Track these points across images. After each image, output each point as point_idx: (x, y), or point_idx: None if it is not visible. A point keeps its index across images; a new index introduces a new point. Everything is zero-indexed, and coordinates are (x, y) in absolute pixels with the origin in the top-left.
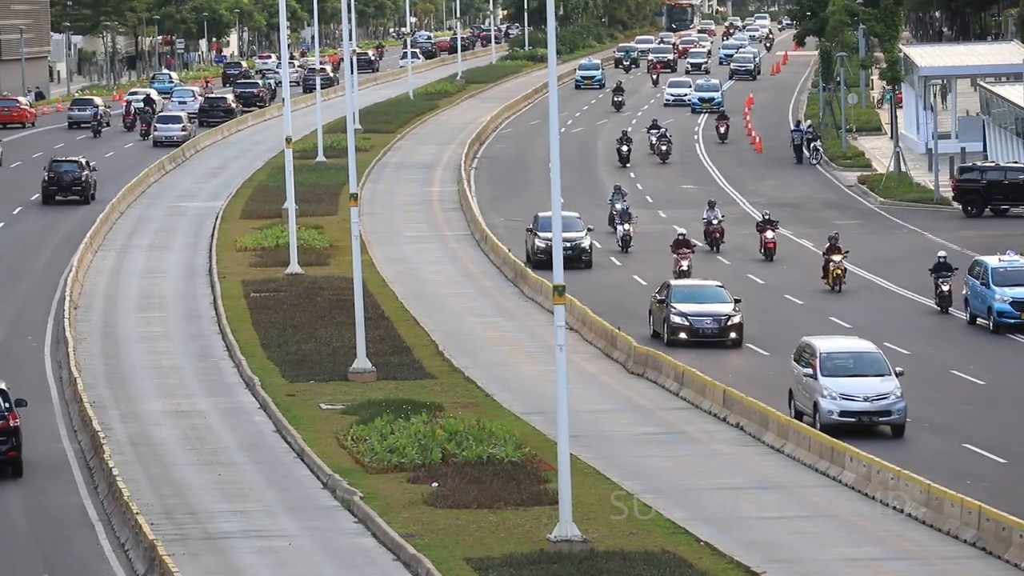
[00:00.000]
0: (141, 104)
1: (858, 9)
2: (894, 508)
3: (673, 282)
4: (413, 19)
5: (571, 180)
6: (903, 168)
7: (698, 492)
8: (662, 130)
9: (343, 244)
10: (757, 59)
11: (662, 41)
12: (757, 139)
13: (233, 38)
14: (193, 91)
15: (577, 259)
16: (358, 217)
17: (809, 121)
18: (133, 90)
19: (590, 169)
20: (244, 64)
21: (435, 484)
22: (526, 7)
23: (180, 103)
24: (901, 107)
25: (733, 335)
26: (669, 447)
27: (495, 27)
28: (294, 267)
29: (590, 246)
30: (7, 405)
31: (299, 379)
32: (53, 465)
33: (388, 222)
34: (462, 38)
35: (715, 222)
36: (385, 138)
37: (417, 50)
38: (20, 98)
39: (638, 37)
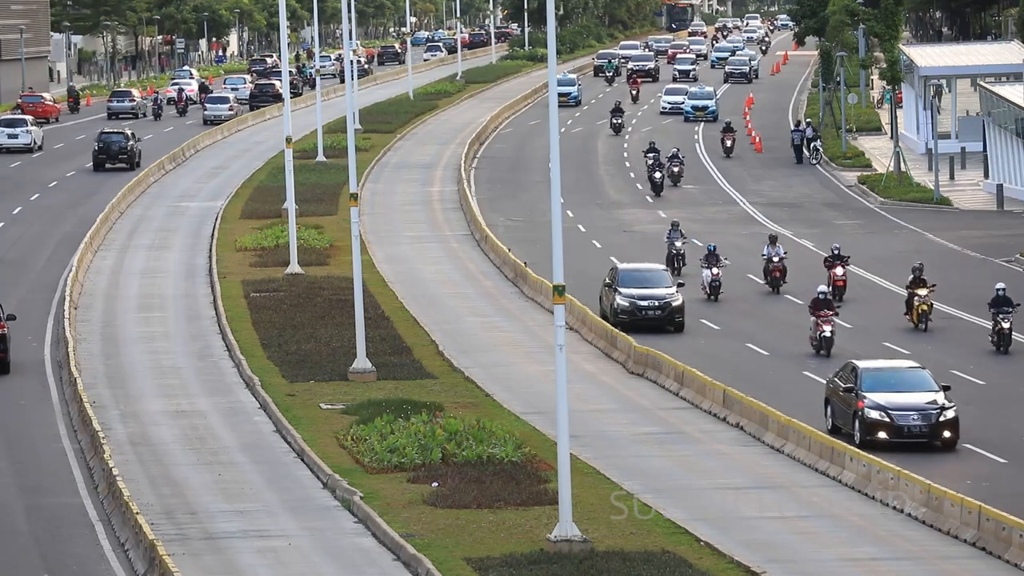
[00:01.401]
0: (196, 90)
1: (858, 9)
2: (894, 508)
3: (863, 364)
4: (413, 19)
5: (571, 180)
6: (903, 168)
7: (698, 492)
8: (674, 151)
9: (343, 244)
10: (753, 62)
11: (647, 47)
12: (757, 139)
13: (233, 38)
14: (244, 78)
15: (668, 321)
16: (358, 217)
17: (809, 121)
18: (174, 81)
19: (590, 169)
20: (272, 58)
21: (435, 484)
22: (526, 7)
23: (232, 89)
24: (901, 107)
25: (947, 434)
26: (669, 447)
27: (495, 27)
28: (294, 267)
29: (682, 305)
30: None
31: (299, 379)
32: (53, 465)
33: (388, 222)
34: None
35: (776, 259)
36: (385, 138)
37: (440, 44)
38: (44, 94)
39: (622, 43)
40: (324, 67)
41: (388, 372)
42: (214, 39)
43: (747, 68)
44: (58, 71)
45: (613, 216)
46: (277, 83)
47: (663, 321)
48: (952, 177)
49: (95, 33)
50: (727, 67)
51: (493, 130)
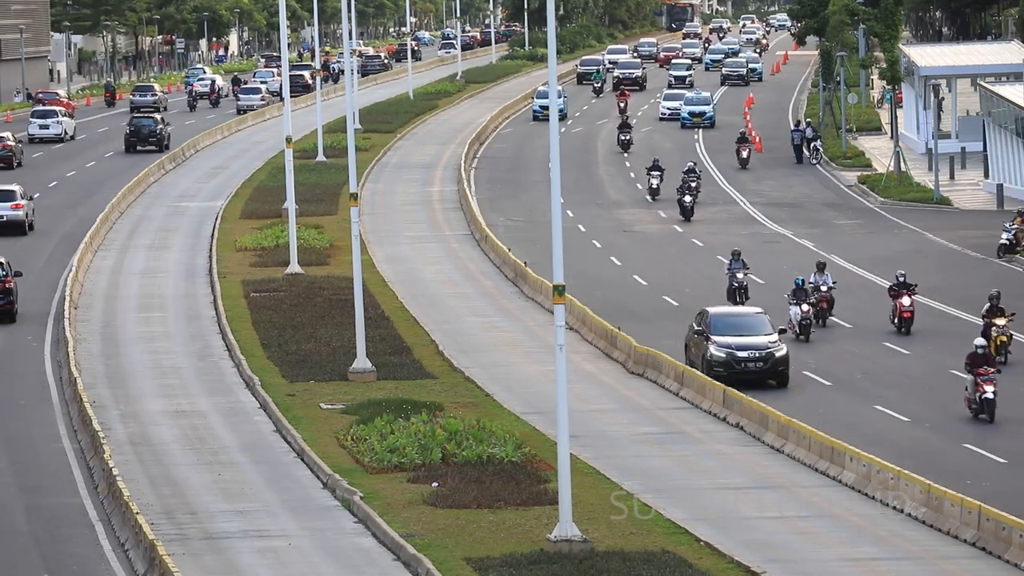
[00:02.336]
0: (230, 83)
1: (858, 9)
2: (894, 508)
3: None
4: (413, 19)
5: (571, 180)
6: (903, 168)
7: (698, 492)
8: (691, 165)
9: (343, 244)
10: (756, 64)
11: (635, 51)
12: (757, 139)
13: (233, 38)
14: (272, 71)
15: (771, 374)
16: (358, 217)
17: (809, 120)
18: (202, 77)
19: (590, 169)
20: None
21: (435, 484)
22: (526, 7)
23: (261, 82)
24: (901, 107)
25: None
26: (669, 447)
27: (495, 27)
28: (294, 267)
29: (787, 356)
30: (4, 272)
31: (299, 379)
32: (53, 465)
33: (388, 222)
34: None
35: (824, 288)
36: (385, 138)
37: (454, 41)
38: (59, 91)
39: (609, 47)
40: (336, 61)
41: (388, 372)
42: (214, 39)
43: (744, 70)
44: (58, 71)
45: (613, 216)
46: (306, 74)
47: (765, 374)
48: (952, 177)
49: (95, 33)
50: (724, 69)
51: (493, 130)
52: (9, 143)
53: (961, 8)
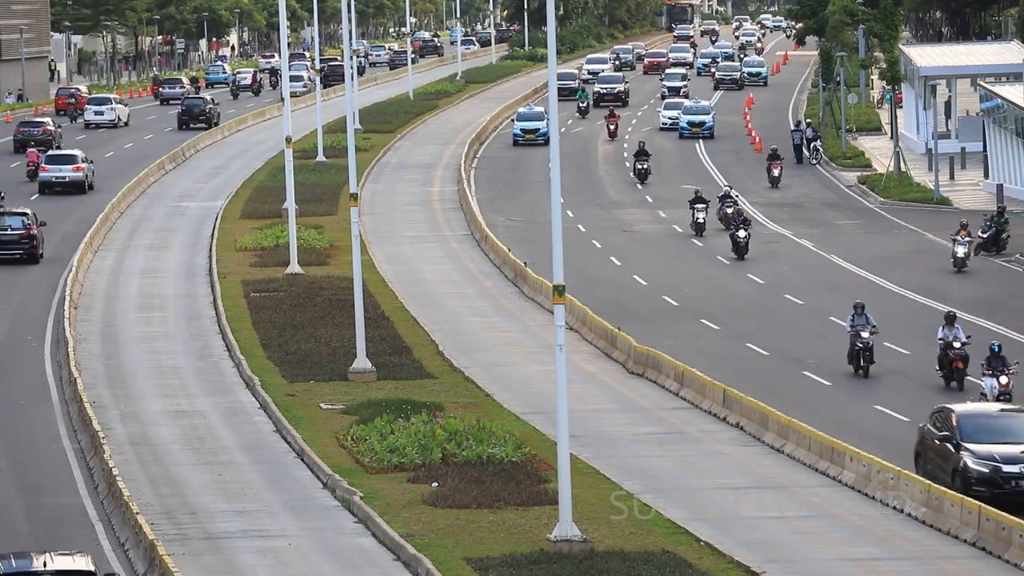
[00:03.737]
0: (267, 74)
1: (858, 9)
2: (894, 508)
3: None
4: (413, 19)
5: (571, 180)
6: (903, 168)
7: (698, 492)
8: (726, 189)
9: (343, 244)
10: (757, 68)
11: (618, 60)
12: (757, 139)
13: (233, 38)
14: (305, 64)
15: None
16: (358, 217)
17: (809, 121)
18: (239, 70)
19: (590, 169)
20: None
21: (435, 484)
22: (526, 7)
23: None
24: (901, 107)
25: None
26: (669, 447)
27: (495, 27)
28: (294, 267)
29: None
30: (29, 221)
31: (299, 379)
32: (53, 465)
33: (388, 222)
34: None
35: (958, 344)
36: (385, 138)
37: (474, 38)
38: (80, 86)
39: (588, 56)
40: (378, 56)
41: (388, 372)
42: (214, 39)
43: (737, 74)
44: (58, 71)
45: (613, 216)
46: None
47: None
48: (952, 177)
49: (95, 33)
50: (717, 73)
51: (493, 130)
52: (49, 127)
53: (961, 8)
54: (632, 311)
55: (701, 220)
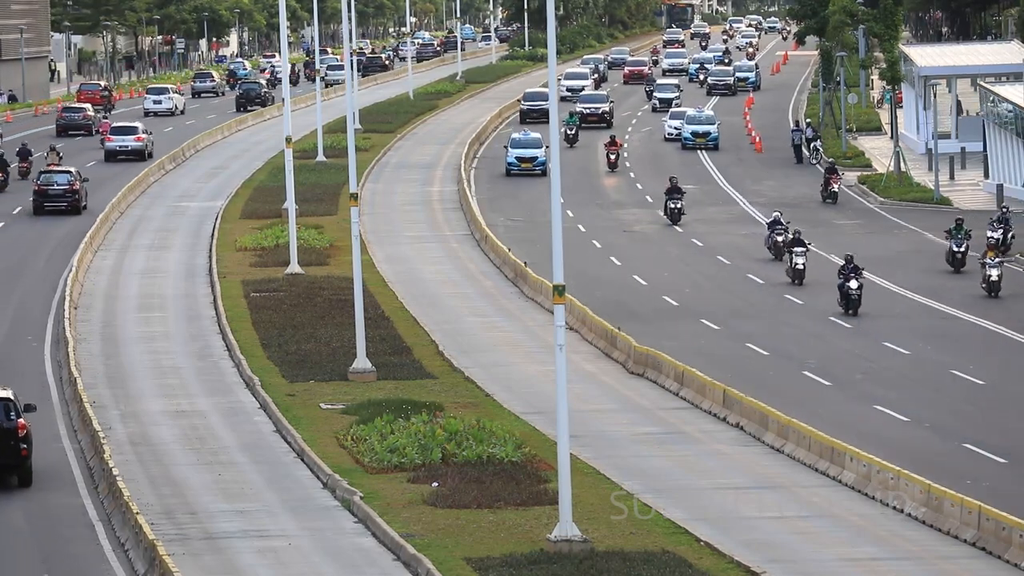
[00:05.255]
0: (303, 67)
1: (858, 9)
2: (894, 508)
3: None
4: (413, 19)
5: (571, 180)
6: (903, 168)
7: (698, 492)
8: (776, 215)
9: (343, 244)
10: (746, 72)
11: (595, 71)
12: (757, 139)
13: (233, 38)
14: (336, 57)
15: None
16: (358, 217)
17: (809, 121)
18: (272, 64)
19: (590, 169)
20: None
21: (435, 484)
22: (526, 7)
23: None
24: (901, 107)
25: None
26: (669, 447)
27: (495, 27)
28: (294, 267)
29: None
30: (73, 177)
31: (299, 379)
32: (53, 465)
33: (388, 222)
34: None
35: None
36: (385, 138)
37: (493, 34)
38: (101, 82)
39: (567, 71)
40: (406, 50)
41: (388, 372)
42: (214, 39)
43: (730, 79)
44: (58, 71)
45: (613, 216)
46: (383, 56)
47: None
48: (952, 177)
49: (95, 33)
50: (709, 79)
51: (493, 130)
52: (89, 113)
53: (961, 8)
54: (632, 311)
55: (675, 208)
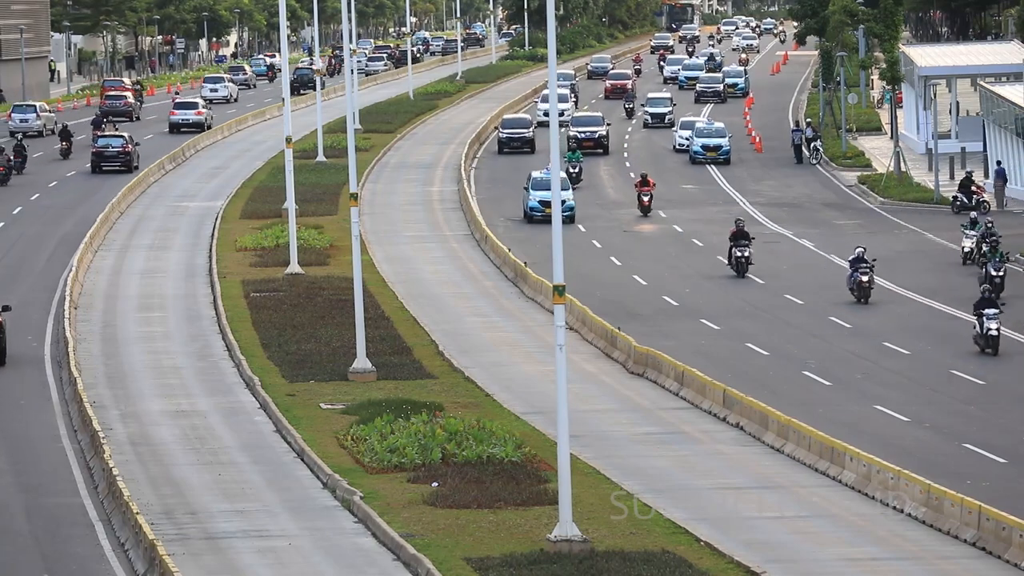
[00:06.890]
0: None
1: (858, 9)
2: (894, 508)
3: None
4: (413, 19)
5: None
6: (903, 168)
7: (698, 492)
8: (860, 252)
9: (343, 244)
10: (735, 78)
11: (571, 90)
12: (757, 139)
13: (233, 38)
14: (388, 51)
15: None
16: (358, 217)
17: (809, 121)
18: (254, 64)
19: (590, 169)
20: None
21: (435, 484)
22: (526, 7)
23: (376, 56)
24: (901, 107)
25: None
26: (669, 447)
27: (495, 27)
28: (294, 267)
29: None
30: (125, 141)
31: (299, 379)
32: (53, 465)
33: (388, 222)
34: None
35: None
36: (385, 138)
37: (512, 31)
38: (124, 79)
39: (542, 93)
40: (437, 46)
41: (388, 372)
42: (214, 39)
43: (719, 86)
44: (58, 71)
45: (613, 216)
46: (414, 49)
47: None
48: (952, 177)
49: (95, 33)
50: (698, 86)
51: (493, 130)
52: (129, 100)
53: (961, 8)
54: (632, 311)
55: (742, 256)
